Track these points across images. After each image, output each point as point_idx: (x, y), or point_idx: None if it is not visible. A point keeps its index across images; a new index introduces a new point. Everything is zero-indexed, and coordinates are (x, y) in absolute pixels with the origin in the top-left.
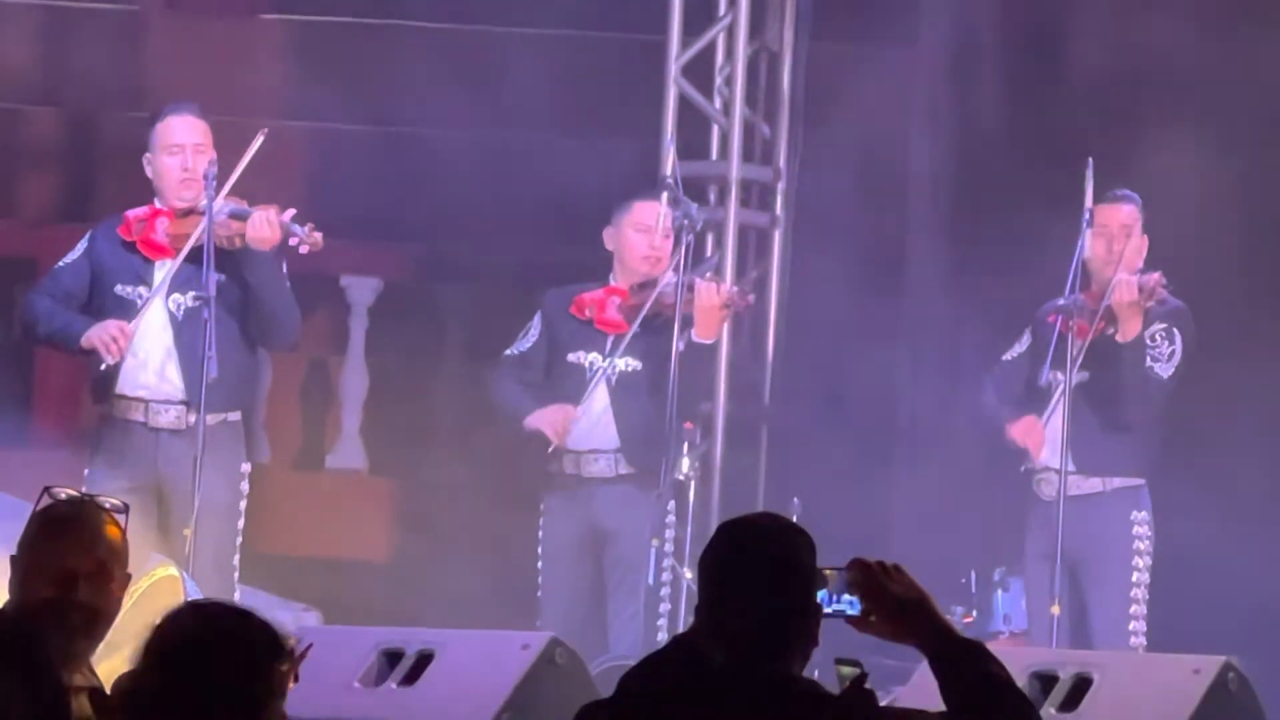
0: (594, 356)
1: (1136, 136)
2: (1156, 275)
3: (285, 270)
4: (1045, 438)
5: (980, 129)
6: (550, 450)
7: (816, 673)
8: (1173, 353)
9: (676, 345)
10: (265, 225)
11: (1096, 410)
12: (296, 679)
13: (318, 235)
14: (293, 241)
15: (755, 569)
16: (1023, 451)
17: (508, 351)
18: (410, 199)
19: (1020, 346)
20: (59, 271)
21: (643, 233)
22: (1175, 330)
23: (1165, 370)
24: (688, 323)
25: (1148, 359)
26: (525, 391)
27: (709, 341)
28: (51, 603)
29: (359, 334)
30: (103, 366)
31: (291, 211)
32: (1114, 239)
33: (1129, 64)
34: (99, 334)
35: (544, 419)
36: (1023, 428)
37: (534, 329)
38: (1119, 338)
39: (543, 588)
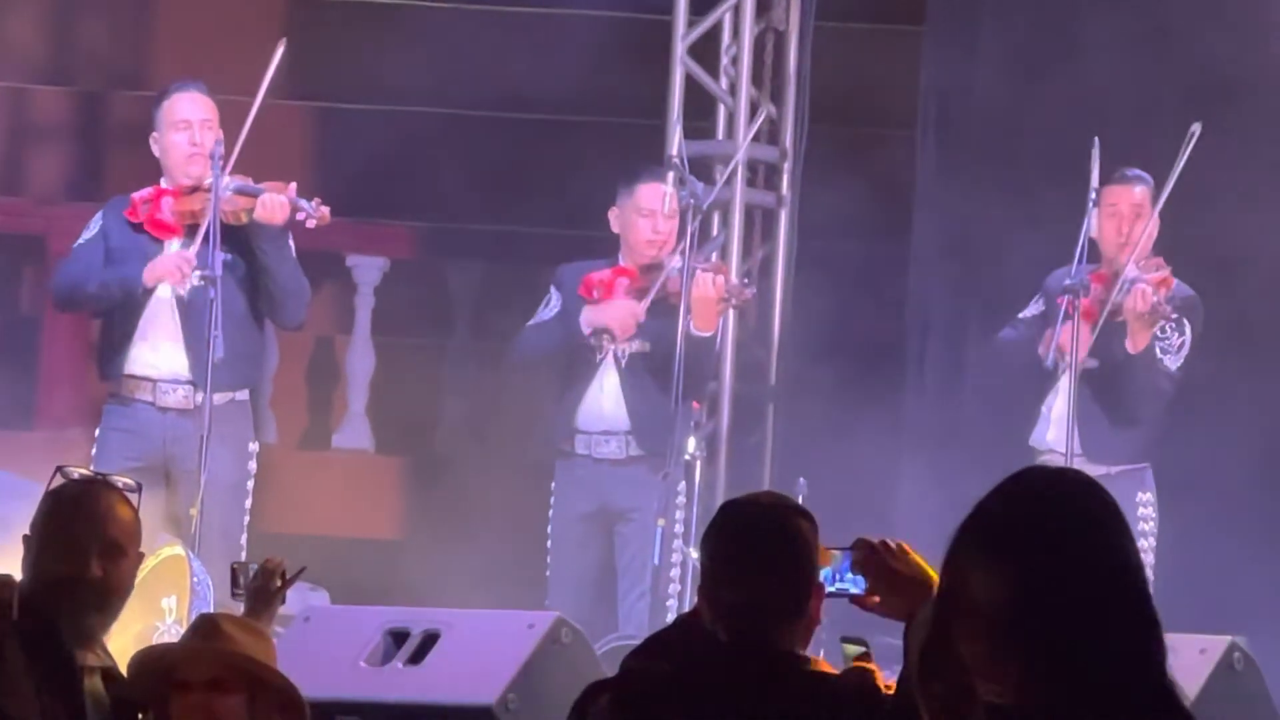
0: (604, 337)
1: (1145, 118)
2: (1163, 288)
3: (293, 247)
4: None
5: (986, 108)
6: (600, 346)
7: (822, 652)
8: (1182, 344)
9: (682, 326)
10: (274, 203)
11: (1104, 405)
12: (284, 601)
13: (325, 210)
14: (300, 216)
15: (756, 548)
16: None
17: (530, 323)
18: (416, 177)
19: (1035, 308)
20: (79, 249)
21: (646, 217)
22: (1185, 321)
23: (1174, 362)
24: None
25: (1157, 350)
26: (553, 334)
27: (707, 334)
28: (65, 582)
29: (365, 313)
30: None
31: (294, 186)
32: (1124, 220)
33: (1137, 45)
34: (164, 267)
35: (608, 314)
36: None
37: (554, 300)
38: (1129, 348)
39: (552, 568)
